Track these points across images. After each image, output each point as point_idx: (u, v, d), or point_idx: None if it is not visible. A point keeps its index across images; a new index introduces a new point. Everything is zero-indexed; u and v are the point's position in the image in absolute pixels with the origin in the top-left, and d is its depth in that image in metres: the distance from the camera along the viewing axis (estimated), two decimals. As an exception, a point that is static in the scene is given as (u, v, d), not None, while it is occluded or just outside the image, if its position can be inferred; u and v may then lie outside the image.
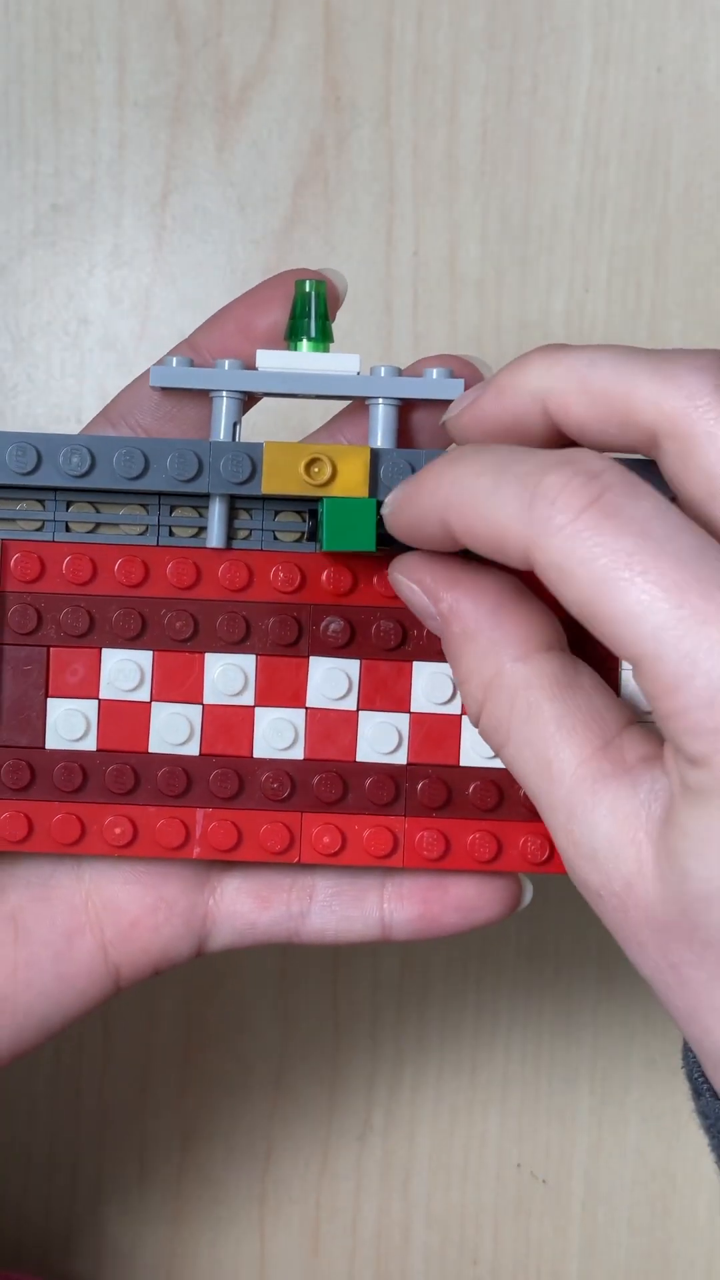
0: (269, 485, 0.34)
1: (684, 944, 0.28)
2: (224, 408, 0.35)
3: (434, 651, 0.35)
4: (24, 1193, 0.51)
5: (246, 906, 0.36)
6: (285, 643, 0.35)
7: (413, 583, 0.33)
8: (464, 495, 0.30)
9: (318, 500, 0.34)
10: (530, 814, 0.35)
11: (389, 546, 0.34)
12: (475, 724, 0.31)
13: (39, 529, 0.35)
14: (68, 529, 0.35)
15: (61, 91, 0.51)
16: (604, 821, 0.29)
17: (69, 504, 0.35)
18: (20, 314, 0.51)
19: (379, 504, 0.34)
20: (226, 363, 0.34)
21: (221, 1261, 0.51)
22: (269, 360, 0.34)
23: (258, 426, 0.44)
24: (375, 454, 0.34)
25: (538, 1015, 0.52)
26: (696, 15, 0.51)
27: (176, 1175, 0.51)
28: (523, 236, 0.51)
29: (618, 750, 0.29)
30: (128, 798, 0.35)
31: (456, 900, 0.36)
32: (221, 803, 0.35)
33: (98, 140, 0.51)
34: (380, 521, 0.33)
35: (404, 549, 0.33)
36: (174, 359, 0.35)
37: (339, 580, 0.35)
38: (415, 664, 0.35)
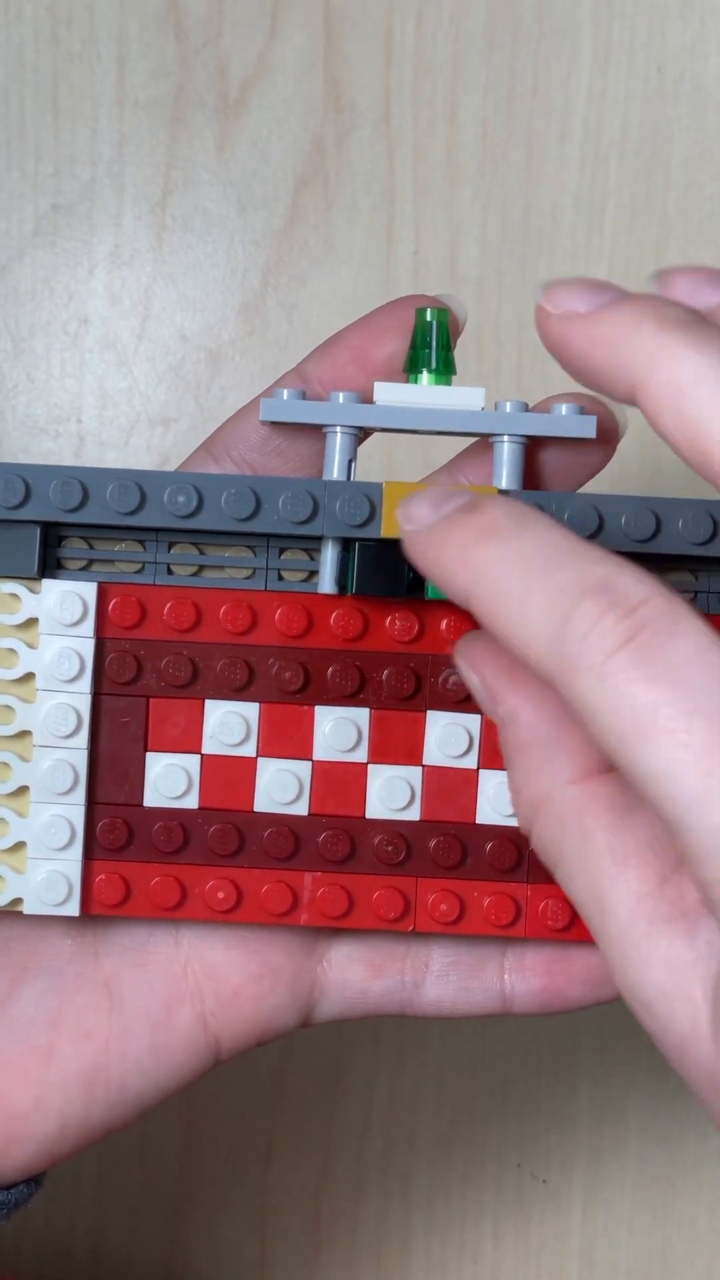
0: (389, 528, 0.31)
1: None
2: (338, 444, 0.32)
3: None
4: (23, 1194, 0.51)
5: (358, 975, 0.34)
6: (402, 696, 0.32)
7: (475, 674, 0.30)
8: (490, 586, 0.26)
9: None
10: None
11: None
12: (526, 835, 0.29)
13: (139, 571, 0.32)
14: (169, 571, 0.32)
15: (61, 91, 0.51)
16: (657, 972, 0.26)
17: (171, 545, 0.32)
18: (20, 314, 0.51)
19: None
20: (341, 395, 0.32)
21: (221, 1262, 0.51)
22: (387, 393, 0.31)
23: (370, 465, 0.41)
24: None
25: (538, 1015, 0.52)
26: (696, 15, 0.51)
27: (176, 1175, 0.51)
28: (523, 236, 0.51)
29: (675, 889, 0.26)
30: (231, 860, 0.32)
31: (583, 972, 0.33)
32: (332, 866, 0.32)
33: (98, 140, 0.51)
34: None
35: None
36: (284, 391, 0.32)
37: (459, 629, 0.32)
38: None
